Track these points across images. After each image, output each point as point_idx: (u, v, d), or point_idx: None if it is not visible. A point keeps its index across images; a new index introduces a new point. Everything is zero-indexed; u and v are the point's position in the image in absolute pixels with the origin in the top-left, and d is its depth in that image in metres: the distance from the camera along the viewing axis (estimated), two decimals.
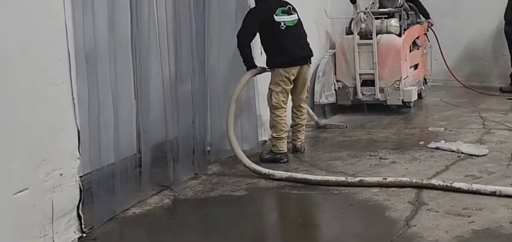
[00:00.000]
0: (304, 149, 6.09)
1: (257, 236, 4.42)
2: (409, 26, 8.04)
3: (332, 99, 7.73)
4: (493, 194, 4.60)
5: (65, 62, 4.00)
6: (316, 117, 7.12)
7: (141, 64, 4.94)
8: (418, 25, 8.39)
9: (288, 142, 5.94)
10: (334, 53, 7.79)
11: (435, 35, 8.99)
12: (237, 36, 5.62)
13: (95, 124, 4.41)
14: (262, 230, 4.60)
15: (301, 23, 5.88)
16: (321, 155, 6.08)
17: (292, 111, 6.02)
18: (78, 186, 4.15)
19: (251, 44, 5.71)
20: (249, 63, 5.69)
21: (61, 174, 3.99)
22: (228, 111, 5.56)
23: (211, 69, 5.77)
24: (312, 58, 5.94)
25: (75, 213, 4.14)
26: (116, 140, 4.63)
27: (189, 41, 5.43)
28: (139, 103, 5.01)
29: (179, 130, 5.31)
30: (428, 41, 8.83)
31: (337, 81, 7.76)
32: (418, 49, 8.21)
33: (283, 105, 5.76)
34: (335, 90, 7.76)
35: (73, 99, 4.07)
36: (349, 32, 7.82)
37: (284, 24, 5.64)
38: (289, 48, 5.67)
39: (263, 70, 5.80)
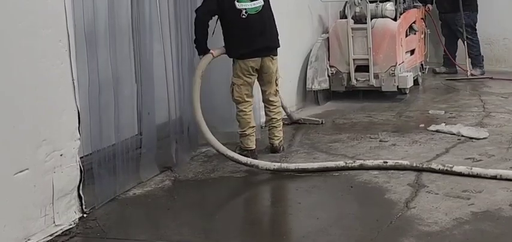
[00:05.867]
0: (283, 148, 5.58)
1: (256, 218, 4.44)
2: (405, 9, 7.90)
3: (325, 85, 7.56)
4: (493, 178, 4.60)
5: (64, 43, 3.99)
6: (288, 110, 6.58)
7: (141, 45, 4.93)
8: (415, 9, 8.27)
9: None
10: (328, 38, 7.62)
11: (432, 20, 8.95)
12: (195, 11, 5.22)
13: (95, 105, 4.41)
14: (262, 211, 4.61)
15: (268, 9, 5.38)
16: (321, 137, 6.08)
17: (264, 106, 5.61)
18: (78, 167, 4.16)
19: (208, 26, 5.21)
20: (201, 46, 5.22)
21: (61, 155, 3.99)
22: (195, 111, 5.20)
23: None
24: (277, 49, 5.44)
25: (75, 193, 4.16)
26: (116, 121, 4.63)
27: (188, 21, 5.41)
28: (140, 84, 5.00)
29: (181, 111, 5.32)
30: (426, 26, 8.77)
31: (331, 66, 7.58)
32: (414, 34, 8.08)
33: (246, 99, 5.33)
34: (328, 75, 7.58)
35: (73, 80, 4.07)
36: (343, 15, 7.64)
37: (245, 13, 5.19)
38: (248, 40, 5.23)
39: (221, 52, 5.30)
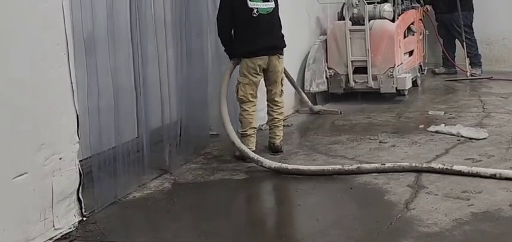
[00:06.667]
0: (282, 147, 5.63)
1: (257, 220, 4.43)
2: (403, 11, 7.88)
3: (323, 87, 7.53)
4: (493, 177, 4.60)
5: (62, 46, 3.99)
6: (310, 103, 6.96)
7: (141, 48, 4.93)
8: (413, 10, 8.25)
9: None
10: (326, 40, 7.60)
11: (431, 20, 8.94)
12: (217, 18, 5.35)
13: (94, 109, 4.41)
14: (262, 213, 4.61)
15: (277, 11, 5.47)
16: (321, 139, 6.08)
17: (267, 105, 5.64)
18: (77, 170, 4.15)
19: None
20: (230, 48, 5.40)
21: (60, 158, 3.99)
22: (221, 107, 5.32)
23: (210, 54, 5.76)
24: (284, 49, 5.52)
25: (75, 197, 4.15)
26: (116, 124, 4.63)
27: (186, 25, 5.42)
28: (139, 87, 5.00)
29: (178, 115, 5.32)
30: (424, 27, 8.76)
31: (329, 68, 7.54)
32: (413, 35, 8.06)
33: (250, 99, 5.36)
34: (326, 77, 7.55)
35: (71, 83, 4.06)
36: (341, 17, 7.62)
37: (257, 12, 5.25)
38: (257, 38, 5.30)
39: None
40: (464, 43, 8.90)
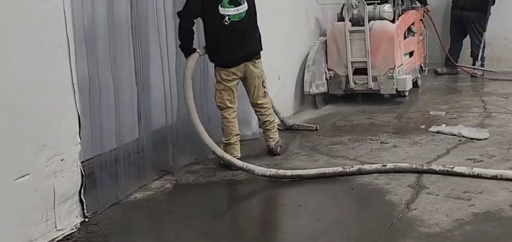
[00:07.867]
0: (280, 147, 5.54)
1: (257, 220, 4.45)
2: (403, 11, 7.85)
3: (323, 89, 7.49)
4: (494, 178, 4.60)
5: (64, 48, 4.00)
6: (281, 115, 6.41)
7: (142, 48, 4.93)
8: (413, 10, 8.22)
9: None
10: (325, 41, 7.56)
11: (432, 21, 8.94)
12: (178, 14, 5.03)
13: (96, 109, 4.42)
14: (263, 214, 4.62)
15: (253, 13, 5.22)
16: (322, 139, 6.08)
17: (254, 110, 5.54)
18: (79, 171, 4.17)
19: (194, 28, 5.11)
20: (187, 48, 5.09)
21: (62, 159, 4.01)
22: (190, 112, 5.09)
23: None
24: (260, 53, 5.31)
25: (77, 198, 4.17)
26: (117, 125, 4.64)
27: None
28: (140, 87, 5.01)
29: (179, 115, 5.32)
30: (425, 27, 8.75)
31: (329, 69, 7.50)
32: (413, 36, 8.04)
33: (229, 105, 5.21)
34: (326, 79, 7.51)
35: (73, 84, 4.08)
36: (341, 18, 7.59)
37: (228, 20, 5.04)
38: (230, 48, 5.11)
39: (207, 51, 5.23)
40: (473, 42, 8.89)
